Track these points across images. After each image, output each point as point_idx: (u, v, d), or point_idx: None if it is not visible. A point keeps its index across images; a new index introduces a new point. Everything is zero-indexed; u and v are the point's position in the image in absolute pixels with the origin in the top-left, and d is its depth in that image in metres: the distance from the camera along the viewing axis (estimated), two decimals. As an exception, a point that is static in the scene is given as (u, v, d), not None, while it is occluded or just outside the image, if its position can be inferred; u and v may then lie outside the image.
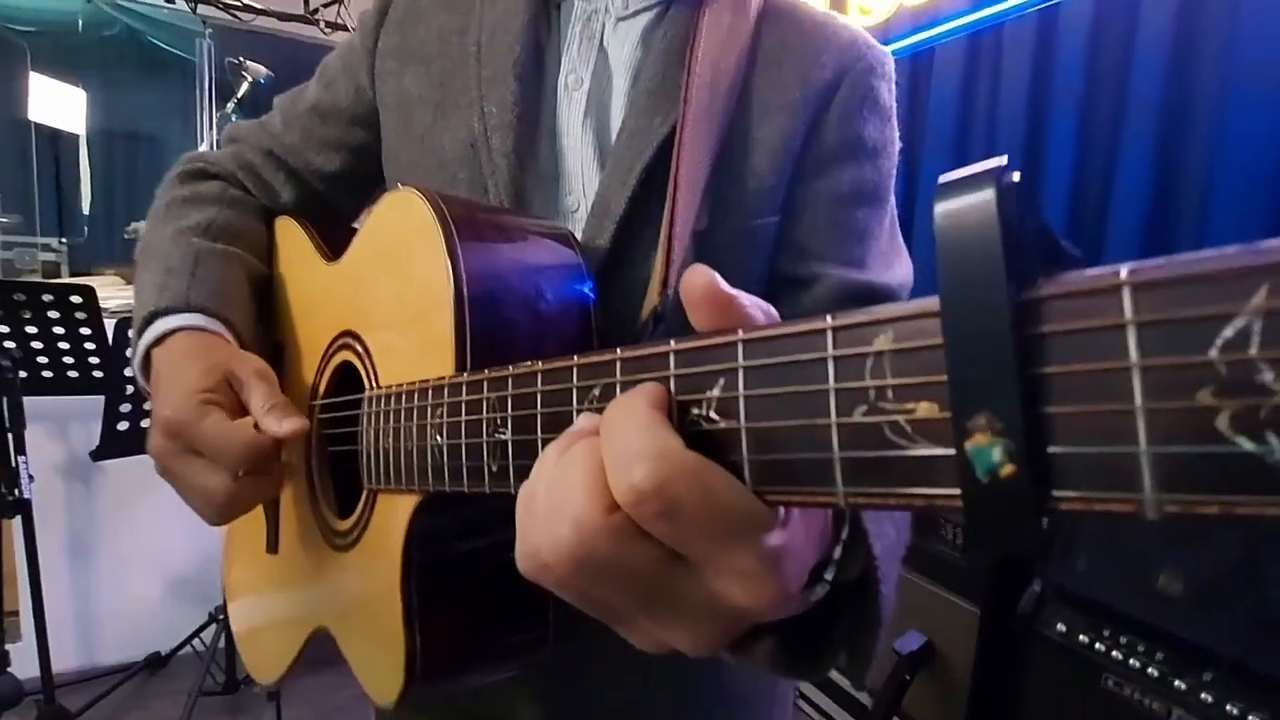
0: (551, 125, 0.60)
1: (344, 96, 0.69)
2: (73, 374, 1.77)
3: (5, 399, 1.57)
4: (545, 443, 0.31)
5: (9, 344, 1.62)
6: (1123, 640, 1.30)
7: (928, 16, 2.09)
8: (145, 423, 1.73)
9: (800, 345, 0.22)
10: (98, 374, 1.78)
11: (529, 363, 0.32)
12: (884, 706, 1.59)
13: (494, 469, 0.34)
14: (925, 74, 2.06)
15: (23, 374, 1.63)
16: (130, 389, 1.68)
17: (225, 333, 0.58)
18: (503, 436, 0.33)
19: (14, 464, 1.58)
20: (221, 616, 1.89)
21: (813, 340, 0.21)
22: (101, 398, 1.70)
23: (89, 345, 1.76)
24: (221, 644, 1.89)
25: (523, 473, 0.32)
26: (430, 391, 0.39)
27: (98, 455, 1.68)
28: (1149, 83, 1.58)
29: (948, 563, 1.55)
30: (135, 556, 2.08)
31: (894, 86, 0.63)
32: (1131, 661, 1.27)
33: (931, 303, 0.18)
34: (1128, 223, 1.61)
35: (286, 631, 0.59)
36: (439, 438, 0.38)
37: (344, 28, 3.88)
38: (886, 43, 2.17)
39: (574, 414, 0.29)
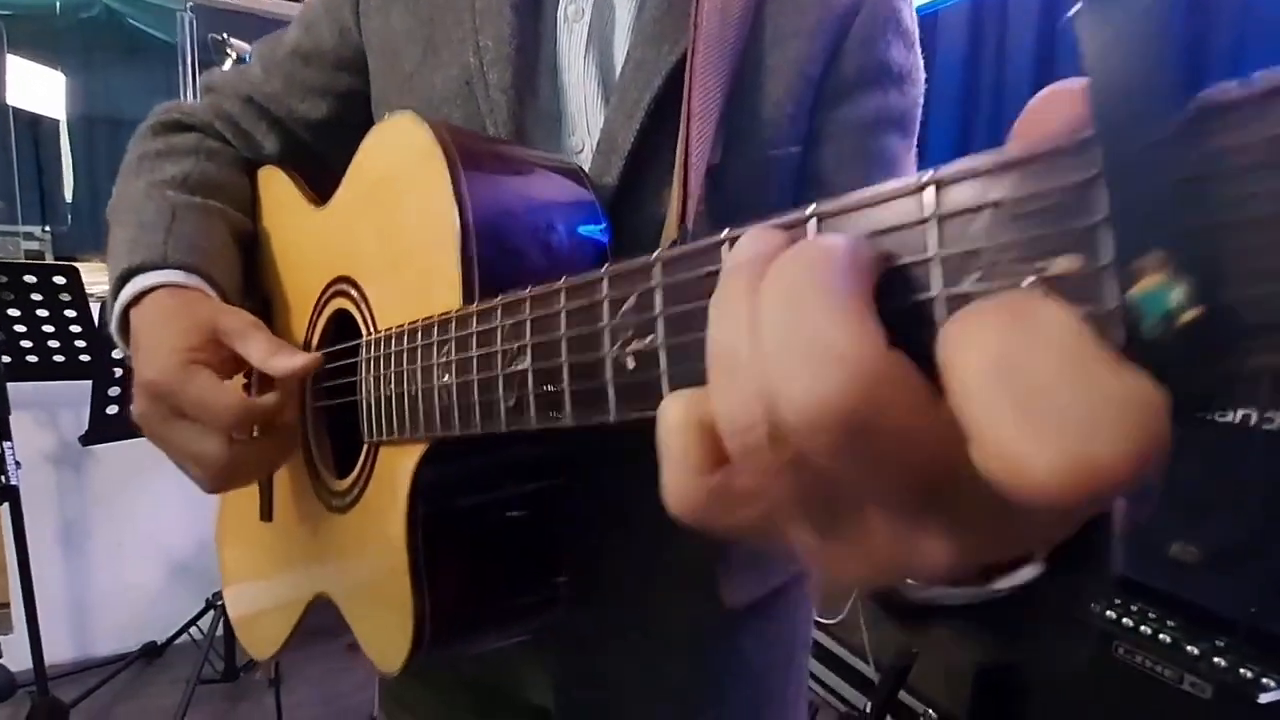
0: (552, 60, 0.56)
1: (327, 39, 0.65)
2: (59, 358, 1.72)
3: (-11, 384, 1.52)
4: (574, 367, 0.27)
5: (-10, 327, 1.58)
6: (1134, 608, 1.29)
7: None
8: (134, 407, 1.69)
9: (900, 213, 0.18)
10: (84, 358, 1.74)
11: (547, 284, 0.29)
12: (890, 680, 1.58)
13: (510, 403, 0.31)
14: (929, 38, 2.01)
15: (6, 359, 1.59)
16: (119, 372, 1.64)
17: (207, 289, 0.54)
18: (520, 366, 0.30)
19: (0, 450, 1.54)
20: (219, 603, 1.85)
21: (910, 204, 0.18)
22: (82, 383, 1.66)
23: (74, 328, 1.71)
24: (220, 631, 1.86)
25: (547, 401, 0.29)
26: (435, 328, 0.36)
27: (87, 440, 1.64)
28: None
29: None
30: (129, 544, 2.05)
31: (915, 13, 0.60)
32: (1143, 628, 1.26)
33: (1062, 138, 0.15)
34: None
35: (283, 602, 0.56)
36: (446, 377, 0.35)
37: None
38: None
39: (605, 332, 0.26)
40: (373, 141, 0.45)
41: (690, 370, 0.22)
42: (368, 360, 0.43)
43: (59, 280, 1.63)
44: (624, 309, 0.25)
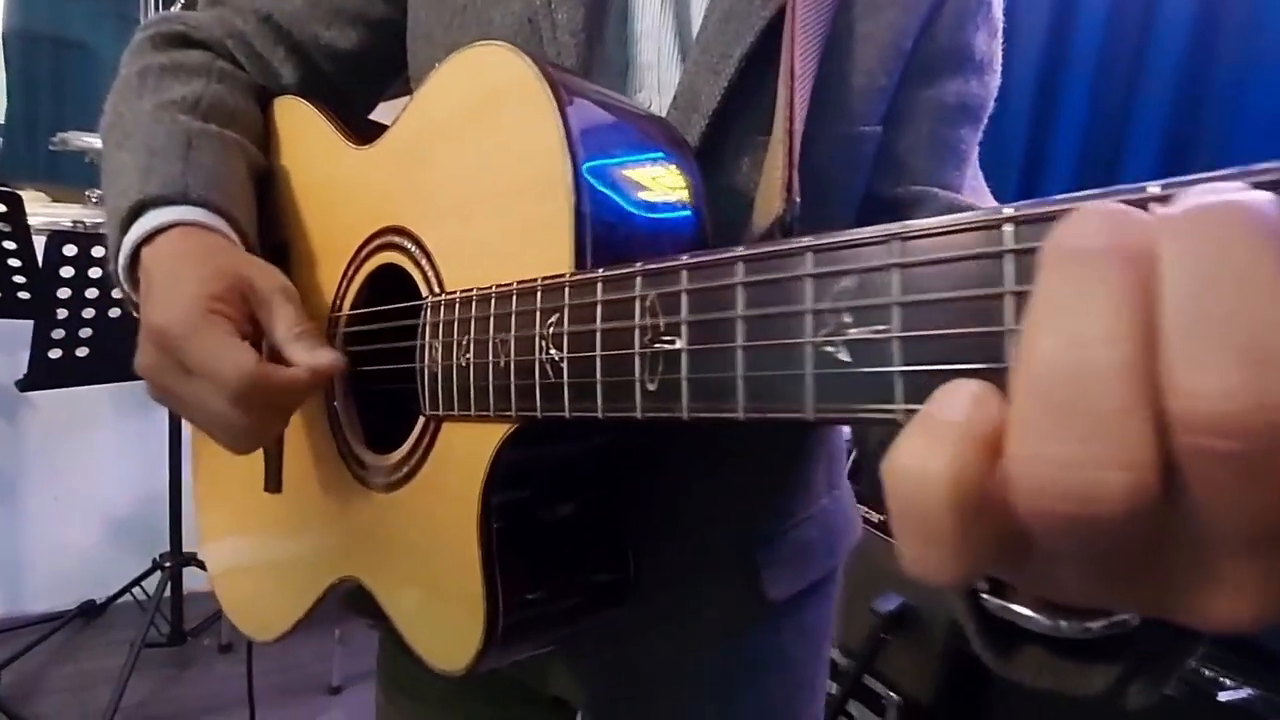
0: (622, 5, 0.51)
1: None
2: (-7, 294, 1.58)
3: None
4: (748, 351, 0.23)
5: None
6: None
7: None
8: (81, 351, 1.56)
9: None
10: (23, 294, 1.59)
11: (711, 250, 0.25)
12: (858, 665, 1.61)
13: (651, 386, 0.27)
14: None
15: (-66, 291, 1.44)
16: (63, 313, 1.50)
17: (231, 234, 0.47)
18: (670, 345, 0.26)
19: (-74, 391, 1.40)
20: (166, 564, 1.75)
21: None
22: (27, 322, 1.52)
23: (13, 262, 1.56)
24: (167, 593, 1.76)
25: (705, 389, 0.25)
26: (539, 293, 0.31)
27: (25, 385, 1.51)
28: (1166, 54, 1.56)
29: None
30: (67, 498, 1.91)
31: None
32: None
33: None
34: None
35: (296, 582, 0.51)
36: (555, 350, 0.30)
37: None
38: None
39: (808, 315, 0.22)
40: (448, 74, 0.39)
41: (937, 354, 0.19)
42: (435, 324, 0.38)
43: (-1, 208, 1.48)
44: (838, 287, 0.21)
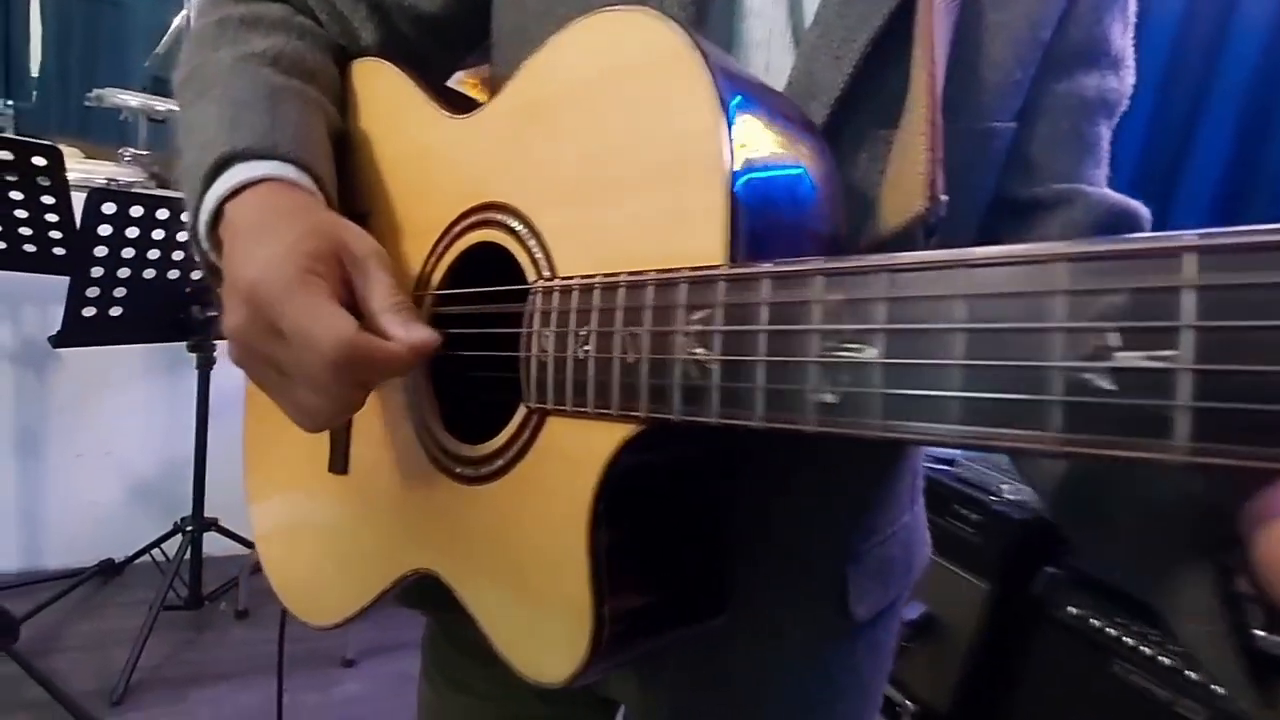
0: None
1: None
2: (29, 247, 1.57)
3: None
4: (966, 370, 0.21)
5: (-44, 207, 1.41)
6: (1136, 628, 1.30)
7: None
8: (115, 310, 1.55)
9: None
10: (59, 250, 1.58)
11: (901, 253, 0.22)
12: (877, 672, 1.59)
13: (829, 399, 0.24)
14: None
15: (-31, 242, 1.43)
16: (99, 271, 1.49)
17: (318, 194, 0.45)
18: (856, 356, 0.23)
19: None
20: (188, 528, 1.75)
21: None
22: (60, 279, 1.50)
23: (50, 217, 1.55)
24: (187, 556, 1.76)
25: (900, 406, 0.22)
26: (687, 286, 0.28)
27: (59, 342, 1.50)
28: (1237, 74, 1.50)
29: (956, 537, 1.53)
30: (91, 455, 1.91)
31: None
32: (1143, 649, 1.27)
33: None
34: (1196, 211, 1.56)
35: (362, 571, 0.49)
36: (703, 350, 0.28)
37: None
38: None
39: (1060, 335, 0.19)
40: (572, 40, 0.36)
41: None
42: (546, 312, 0.35)
43: (38, 161, 1.46)
44: (1099, 306, 0.18)
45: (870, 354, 0.23)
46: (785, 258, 0.27)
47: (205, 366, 1.68)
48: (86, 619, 1.79)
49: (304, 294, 0.36)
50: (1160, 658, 1.25)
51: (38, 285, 1.66)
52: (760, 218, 0.29)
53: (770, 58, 0.48)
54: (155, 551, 1.88)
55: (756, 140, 0.30)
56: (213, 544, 1.80)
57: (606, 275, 0.32)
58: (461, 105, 0.47)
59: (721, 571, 0.38)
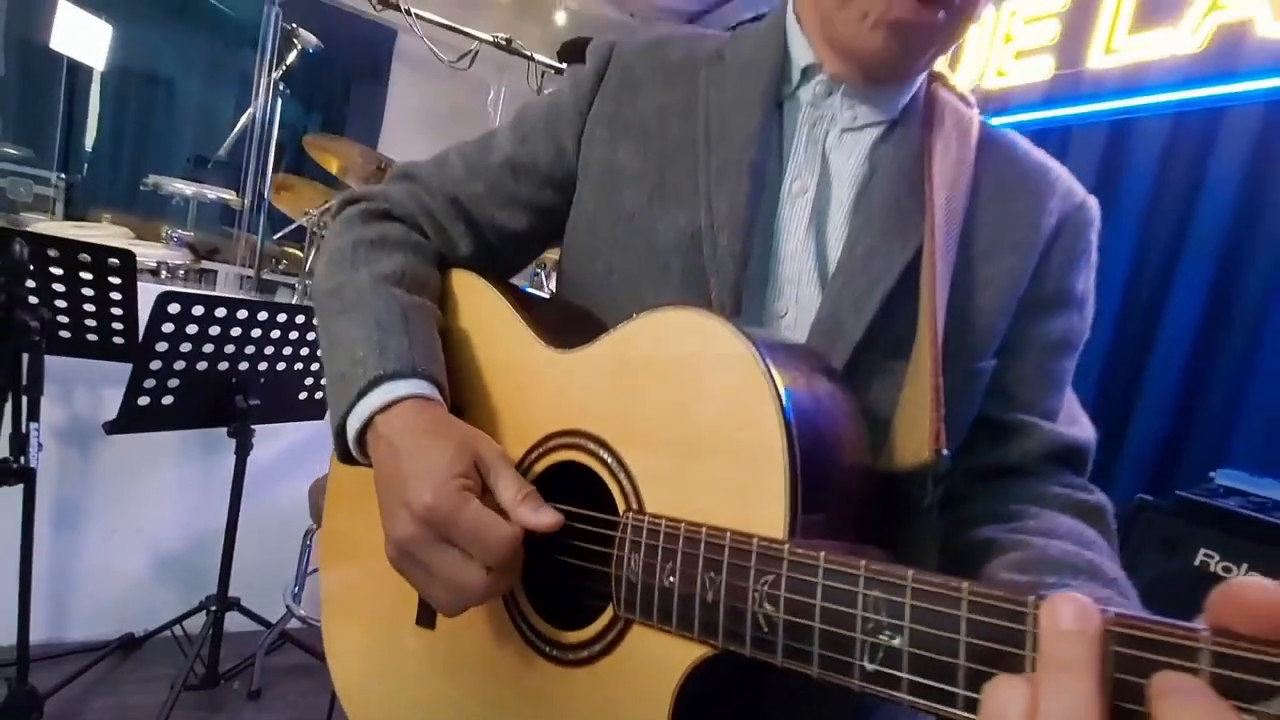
0: (770, 227, 0.60)
1: (543, 155, 0.67)
2: (92, 337, 1.68)
3: (27, 360, 1.47)
4: (972, 674, 0.30)
5: (33, 299, 1.53)
6: None
7: (998, 102, 2.15)
8: (167, 399, 1.65)
9: None
10: (118, 339, 1.70)
11: (931, 576, 0.32)
12: None
13: (869, 668, 0.33)
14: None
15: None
16: (157, 365, 1.60)
17: (443, 402, 0.55)
18: (890, 642, 0.32)
19: (25, 429, 1.48)
20: (213, 607, 1.80)
21: None
22: (106, 363, 1.61)
23: (115, 310, 1.67)
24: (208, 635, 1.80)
25: (928, 691, 0.31)
26: (758, 554, 0.38)
27: (113, 428, 1.59)
28: (1213, 215, 1.64)
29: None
30: (123, 531, 1.98)
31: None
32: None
33: None
34: (1174, 341, 1.67)
35: (444, 717, 0.57)
36: (770, 607, 0.37)
37: (395, 6, 3.79)
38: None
39: (1025, 660, 0.28)
40: (653, 325, 0.47)
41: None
42: (636, 542, 0.44)
43: (113, 263, 1.59)
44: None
45: (899, 643, 0.32)
46: (835, 497, 0.36)
47: (243, 452, 1.77)
48: (107, 694, 1.82)
49: (466, 509, 0.46)
50: None
51: (90, 368, 1.76)
52: (813, 491, 0.39)
53: (800, 291, 0.59)
54: (175, 628, 1.92)
55: (807, 425, 0.40)
56: (229, 621, 1.85)
57: (690, 523, 0.42)
58: (546, 324, 0.57)
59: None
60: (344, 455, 0.56)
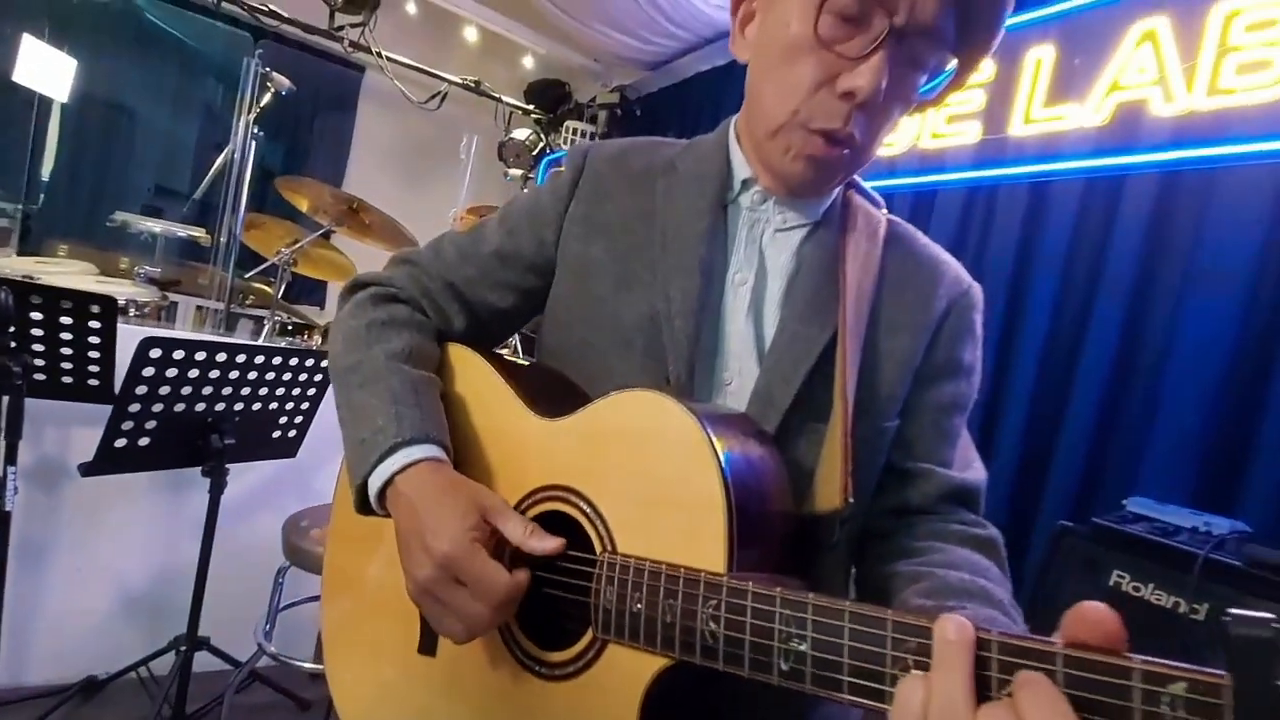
0: (718, 310, 0.73)
1: (526, 245, 0.79)
2: (67, 379, 1.72)
3: (7, 404, 1.51)
4: (853, 688, 0.42)
5: (13, 344, 1.57)
6: None
7: (934, 162, 2.36)
8: (143, 441, 1.69)
9: (1119, 673, 0.34)
10: (93, 382, 1.73)
11: (825, 598, 0.44)
12: None
13: (784, 668, 0.45)
14: (925, 214, 2.32)
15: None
16: (136, 408, 1.64)
17: (449, 461, 0.66)
18: (800, 647, 0.44)
19: (2, 473, 1.51)
20: (183, 648, 1.81)
21: (1125, 673, 0.34)
22: (72, 403, 1.65)
23: (93, 354, 1.71)
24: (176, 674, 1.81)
25: (824, 680, 0.43)
26: (704, 584, 0.50)
27: (89, 470, 1.62)
28: (1121, 267, 1.86)
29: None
30: (87, 570, 1.98)
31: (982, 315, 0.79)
32: None
33: (1219, 675, 0.32)
34: (1091, 380, 1.87)
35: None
36: (714, 625, 0.49)
37: (366, 49, 3.90)
38: (893, 177, 2.43)
39: (887, 659, 0.41)
40: (622, 403, 0.59)
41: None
42: (610, 577, 0.56)
43: (94, 309, 1.64)
44: (905, 647, 0.40)
45: (804, 647, 0.44)
46: (763, 538, 0.48)
47: (218, 490, 1.81)
48: (68, 740, 1.81)
49: (477, 556, 0.57)
50: None
51: (58, 408, 1.78)
52: (747, 534, 0.51)
53: (742, 363, 0.71)
54: (141, 669, 1.92)
55: (741, 483, 0.52)
56: (196, 661, 1.86)
57: (653, 561, 0.53)
58: (531, 393, 0.69)
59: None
60: (361, 507, 0.66)
